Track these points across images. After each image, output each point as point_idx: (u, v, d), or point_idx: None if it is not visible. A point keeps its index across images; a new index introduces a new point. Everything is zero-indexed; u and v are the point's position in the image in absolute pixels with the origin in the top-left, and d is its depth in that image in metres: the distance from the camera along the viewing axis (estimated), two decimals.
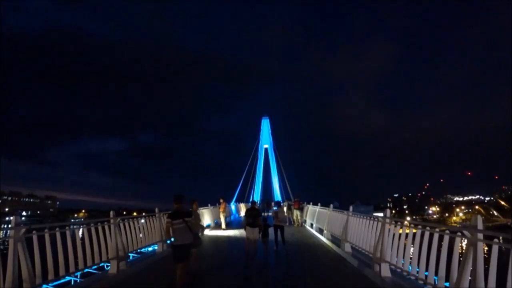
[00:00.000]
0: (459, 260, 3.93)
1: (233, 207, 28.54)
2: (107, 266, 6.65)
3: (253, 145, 70.13)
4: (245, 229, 8.71)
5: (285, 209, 22.92)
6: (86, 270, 5.88)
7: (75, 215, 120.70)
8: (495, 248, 3.45)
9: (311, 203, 17.01)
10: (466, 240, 3.83)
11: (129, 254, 7.33)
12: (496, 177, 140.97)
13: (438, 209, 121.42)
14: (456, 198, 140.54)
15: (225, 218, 17.13)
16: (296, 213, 17.75)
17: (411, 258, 5.04)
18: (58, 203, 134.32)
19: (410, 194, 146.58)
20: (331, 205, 11.50)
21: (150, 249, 9.16)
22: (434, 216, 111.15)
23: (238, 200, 49.29)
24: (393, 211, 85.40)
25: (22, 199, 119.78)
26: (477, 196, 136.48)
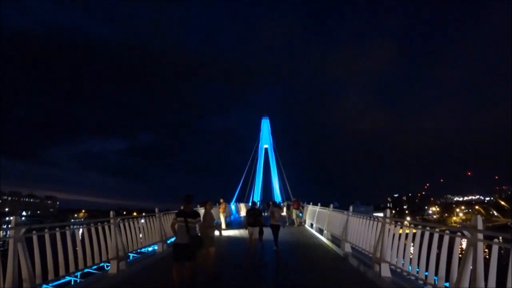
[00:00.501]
0: (459, 260, 3.93)
1: (233, 207, 28.57)
2: (107, 266, 6.64)
3: (253, 145, 70.21)
4: (246, 229, 8.74)
5: (284, 209, 23.13)
6: (86, 270, 5.87)
7: (75, 215, 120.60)
8: (495, 248, 3.45)
9: (311, 203, 17.01)
10: (466, 240, 3.83)
11: (129, 254, 7.33)
12: (496, 177, 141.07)
13: (438, 209, 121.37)
14: (456, 198, 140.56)
15: (225, 218, 17.13)
16: (296, 212, 17.87)
17: (411, 258, 5.04)
18: (58, 203, 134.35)
19: (410, 194, 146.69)
20: (331, 205, 11.51)
21: (150, 249, 9.16)
22: (434, 216, 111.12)
23: (238, 200, 49.30)
24: (393, 211, 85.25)
25: (22, 199, 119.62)
26: (477, 196, 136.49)
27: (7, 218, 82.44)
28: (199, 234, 6.14)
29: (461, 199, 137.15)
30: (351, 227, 8.27)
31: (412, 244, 5.06)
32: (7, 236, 4.46)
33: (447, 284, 4.16)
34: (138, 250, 8.11)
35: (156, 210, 9.41)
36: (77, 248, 5.59)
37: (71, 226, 5.83)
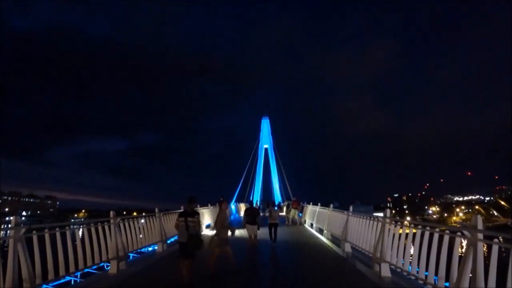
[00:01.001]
0: (459, 260, 3.93)
1: (233, 207, 28.60)
2: (107, 266, 6.65)
3: (253, 145, 70.23)
4: (244, 227, 8.82)
5: (284, 208, 23.31)
6: (86, 270, 5.88)
7: (75, 215, 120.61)
8: (495, 248, 3.45)
9: (311, 203, 17.03)
10: (466, 240, 3.83)
11: (129, 254, 7.34)
12: (496, 177, 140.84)
13: (438, 209, 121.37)
14: (456, 198, 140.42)
15: None
16: (294, 211, 18.20)
17: (411, 258, 5.04)
18: (58, 203, 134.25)
19: (410, 194, 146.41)
20: (331, 205, 11.52)
21: (150, 249, 9.16)
22: (434, 216, 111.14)
23: (238, 200, 49.36)
24: (393, 211, 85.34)
25: (22, 199, 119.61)
26: (477, 196, 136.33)
27: (7, 218, 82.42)
28: (201, 233, 6.36)
29: (461, 199, 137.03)
30: (351, 227, 8.27)
31: (412, 244, 5.06)
32: (7, 236, 4.46)
33: (447, 284, 4.16)
34: (138, 250, 8.12)
35: (156, 210, 9.41)
36: (77, 248, 5.59)
37: (71, 226, 5.83)
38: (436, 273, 4.35)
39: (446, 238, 4.22)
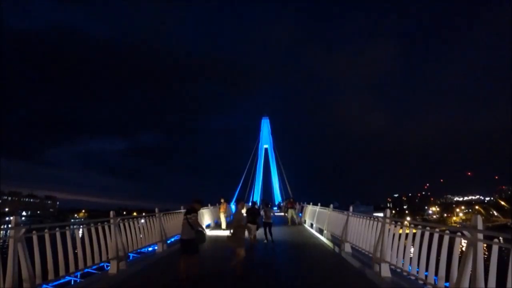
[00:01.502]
0: (459, 260, 3.93)
1: (233, 207, 28.59)
2: (107, 266, 6.65)
3: (253, 145, 70.38)
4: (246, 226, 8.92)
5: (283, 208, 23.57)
6: (86, 270, 5.88)
7: (75, 215, 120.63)
8: (495, 248, 3.45)
9: (311, 203, 17.05)
10: (466, 240, 3.83)
11: (129, 254, 7.34)
12: (496, 177, 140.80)
13: (438, 209, 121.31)
14: (456, 198, 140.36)
15: (225, 218, 17.16)
16: (291, 212, 18.61)
17: (411, 258, 5.04)
18: (58, 203, 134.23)
19: (410, 194, 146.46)
20: (331, 205, 11.53)
21: (150, 249, 9.16)
22: (434, 216, 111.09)
23: (238, 200, 49.30)
24: (393, 211, 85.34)
25: (22, 199, 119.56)
26: (477, 196, 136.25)
27: (7, 218, 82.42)
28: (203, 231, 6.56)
29: (461, 199, 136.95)
30: (351, 227, 8.28)
31: (412, 244, 5.06)
32: (7, 236, 4.47)
33: (447, 284, 4.16)
34: (138, 250, 8.12)
35: (156, 210, 9.41)
36: (77, 248, 5.59)
37: (71, 226, 5.83)
38: (436, 273, 4.35)
39: (446, 238, 4.22)
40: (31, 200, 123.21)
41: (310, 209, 16.87)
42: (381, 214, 6.42)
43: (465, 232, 3.83)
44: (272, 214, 12.24)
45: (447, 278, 4.14)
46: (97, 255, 6.04)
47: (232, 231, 6.92)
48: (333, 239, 10.63)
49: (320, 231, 12.93)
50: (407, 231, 5.49)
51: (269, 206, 13.08)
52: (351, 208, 8.85)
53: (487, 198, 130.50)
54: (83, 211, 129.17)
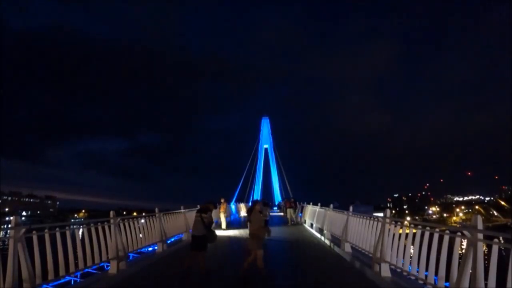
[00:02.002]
0: (459, 260, 3.92)
1: (233, 207, 28.61)
2: (107, 266, 6.64)
3: (253, 145, 70.41)
4: (247, 226, 8.89)
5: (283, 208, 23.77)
6: (86, 270, 5.87)
7: (75, 215, 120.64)
8: (495, 248, 3.45)
9: (311, 203, 17.04)
10: (466, 240, 3.83)
11: (129, 254, 7.33)
12: (496, 177, 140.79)
13: (438, 209, 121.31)
14: (456, 198, 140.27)
15: (226, 218, 17.17)
16: (289, 211, 18.90)
17: (411, 258, 5.04)
18: (58, 203, 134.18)
19: (410, 194, 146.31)
20: (331, 205, 11.52)
21: (150, 249, 9.16)
22: (434, 216, 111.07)
23: (238, 200, 49.37)
24: (393, 211, 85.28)
25: (22, 199, 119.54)
26: (477, 196, 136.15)
27: (7, 218, 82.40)
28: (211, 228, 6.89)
29: (461, 199, 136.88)
30: (351, 227, 8.27)
31: (412, 244, 5.06)
32: (7, 236, 4.46)
33: (447, 284, 4.16)
34: (138, 250, 8.11)
35: (156, 210, 9.41)
36: (77, 248, 5.59)
37: (71, 226, 5.83)
38: (436, 273, 4.35)
39: (446, 238, 4.22)
40: (31, 200, 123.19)
41: (310, 209, 16.87)
42: (381, 214, 6.42)
43: (465, 232, 3.83)
44: (268, 213, 12.48)
45: (447, 278, 4.13)
46: (97, 255, 6.04)
47: (252, 233, 6.80)
48: (333, 239, 10.62)
49: (320, 231, 12.93)
50: (407, 231, 5.49)
51: (269, 205, 13.18)
52: (351, 208, 8.84)
53: (487, 198, 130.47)
54: (83, 211, 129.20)
